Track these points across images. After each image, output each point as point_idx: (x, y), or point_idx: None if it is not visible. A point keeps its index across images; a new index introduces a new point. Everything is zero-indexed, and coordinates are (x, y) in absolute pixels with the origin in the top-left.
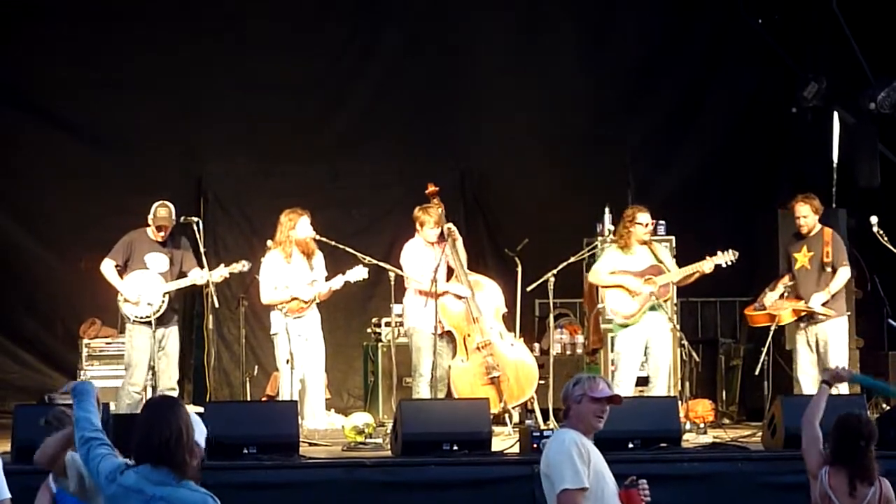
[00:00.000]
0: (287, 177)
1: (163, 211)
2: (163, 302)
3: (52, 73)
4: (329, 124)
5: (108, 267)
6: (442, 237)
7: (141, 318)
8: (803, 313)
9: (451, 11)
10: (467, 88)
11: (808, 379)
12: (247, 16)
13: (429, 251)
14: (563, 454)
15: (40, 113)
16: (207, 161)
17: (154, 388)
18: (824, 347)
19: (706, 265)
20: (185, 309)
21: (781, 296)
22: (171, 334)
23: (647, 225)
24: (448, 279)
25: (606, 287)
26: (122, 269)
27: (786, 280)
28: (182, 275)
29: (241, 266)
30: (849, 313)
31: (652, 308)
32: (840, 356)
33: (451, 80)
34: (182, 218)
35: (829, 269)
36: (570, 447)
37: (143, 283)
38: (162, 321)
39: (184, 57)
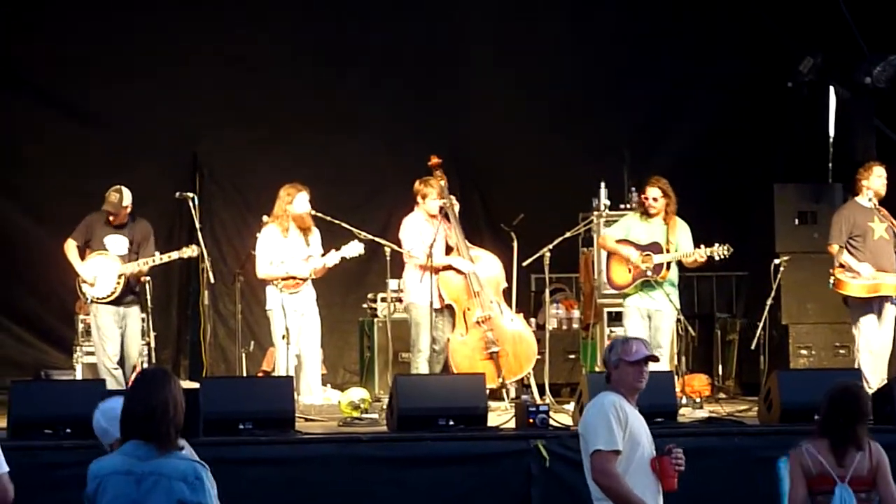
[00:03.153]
0: (282, 153)
1: (114, 196)
2: (118, 283)
3: (46, 52)
4: (324, 101)
5: (70, 247)
6: (442, 211)
7: (98, 298)
8: None
9: None
10: (462, 68)
11: (875, 359)
12: None
13: (428, 226)
14: (601, 416)
15: (34, 92)
16: (202, 138)
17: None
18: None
19: (699, 254)
20: (181, 285)
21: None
22: (132, 314)
23: (649, 199)
24: (448, 254)
25: (610, 251)
26: (84, 249)
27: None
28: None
29: (190, 251)
30: None
31: (650, 284)
32: None
33: (445, 56)
34: (178, 194)
35: None
36: (609, 409)
37: (100, 265)
38: (119, 302)
39: (178, 35)
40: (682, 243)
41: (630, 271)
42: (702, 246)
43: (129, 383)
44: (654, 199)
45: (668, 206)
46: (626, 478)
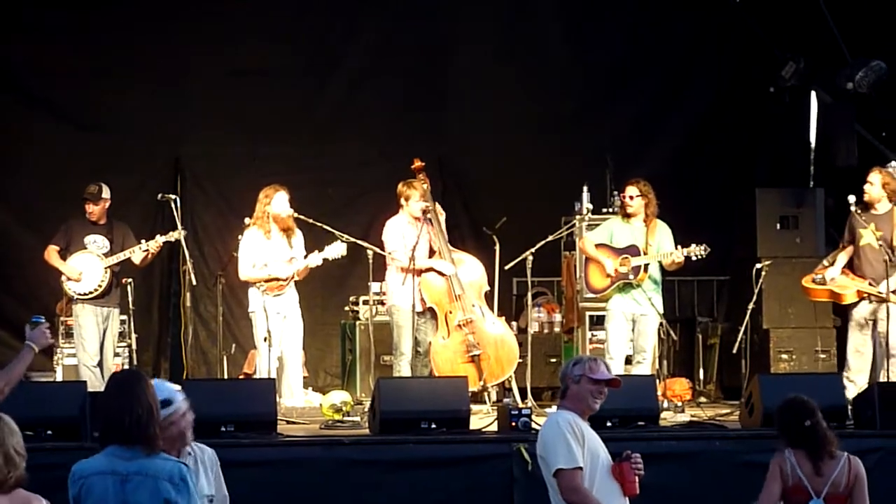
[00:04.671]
0: (264, 156)
1: (92, 187)
2: (104, 278)
3: (30, 55)
4: (309, 105)
5: (51, 253)
6: (425, 214)
7: (84, 294)
8: (866, 294)
9: None
10: (447, 71)
11: (859, 358)
12: (229, 2)
13: (411, 228)
14: (558, 435)
15: (17, 94)
16: (185, 141)
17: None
18: (883, 326)
19: (677, 255)
20: (162, 287)
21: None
22: (113, 315)
23: (627, 198)
24: (430, 257)
25: (589, 257)
26: (65, 253)
27: (844, 254)
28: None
29: (178, 234)
30: None
31: (633, 287)
32: None
33: (431, 62)
34: (160, 196)
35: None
36: (565, 428)
37: (84, 261)
38: (105, 301)
39: (163, 39)
40: (662, 245)
41: (608, 275)
42: (679, 247)
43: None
44: (631, 198)
45: (648, 208)
46: (592, 492)
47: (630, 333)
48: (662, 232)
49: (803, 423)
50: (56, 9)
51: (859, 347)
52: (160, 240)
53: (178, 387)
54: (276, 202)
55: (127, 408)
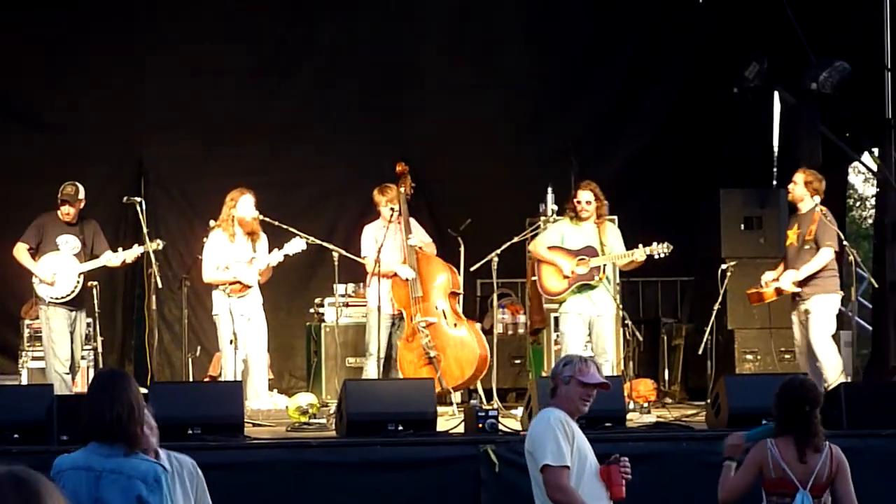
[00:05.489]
0: (228, 158)
1: (70, 188)
2: (77, 282)
3: None
4: (271, 107)
5: (20, 250)
6: (391, 215)
7: (57, 298)
8: (785, 292)
9: None
10: (409, 72)
11: (801, 357)
12: (189, 2)
13: (382, 232)
14: (548, 432)
15: None
16: (148, 143)
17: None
18: (806, 324)
19: (638, 254)
20: (125, 289)
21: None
22: (81, 317)
23: (580, 202)
24: (404, 261)
25: (541, 261)
26: (35, 252)
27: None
28: (94, 257)
29: (156, 245)
30: (841, 293)
31: (591, 287)
32: (819, 333)
33: (394, 64)
34: (125, 199)
35: (811, 248)
36: (555, 425)
37: (58, 264)
38: (75, 303)
39: (124, 40)
40: (614, 245)
41: (565, 277)
42: (640, 246)
43: (74, 386)
44: (588, 203)
45: (599, 209)
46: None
47: (586, 335)
48: (613, 232)
49: (803, 408)
50: (11, 9)
51: (802, 348)
52: (137, 250)
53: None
54: (242, 205)
55: (108, 405)
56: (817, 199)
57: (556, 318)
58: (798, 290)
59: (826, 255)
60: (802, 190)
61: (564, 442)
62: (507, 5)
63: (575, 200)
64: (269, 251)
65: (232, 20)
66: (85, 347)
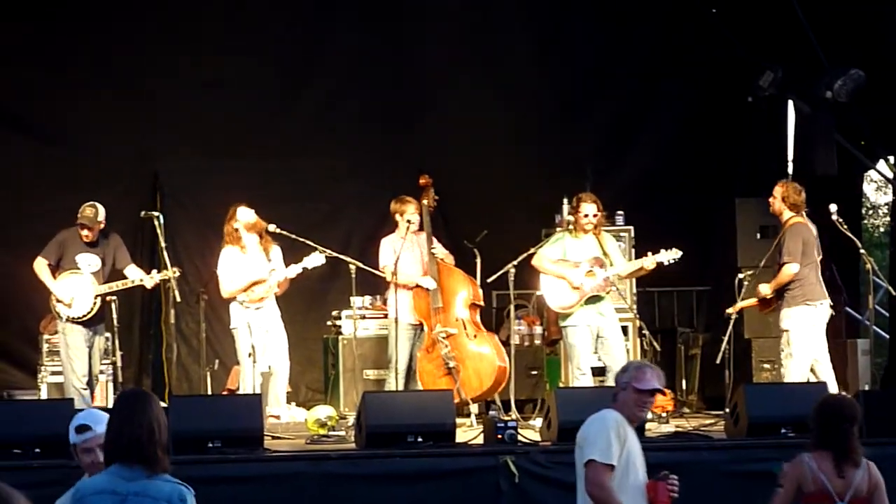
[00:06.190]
0: (243, 171)
1: (89, 211)
2: (94, 304)
3: (4, 71)
4: (285, 120)
5: (40, 265)
6: (409, 226)
7: (74, 318)
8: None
9: (407, 11)
10: (423, 83)
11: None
12: (201, 15)
13: (401, 244)
14: (602, 428)
15: None
16: (162, 157)
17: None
18: (780, 334)
19: (647, 262)
20: (143, 304)
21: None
22: (98, 333)
23: (587, 215)
24: (425, 273)
25: (547, 274)
26: (55, 268)
27: None
28: (116, 272)
29: (173, 273)
30: (815, 303)
31: (598, 298)
32: (789, 346)
33: (407, 76)
34: (143, 213)
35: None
36: (610, 424)
37: (76, 285)
38: (93, 322)
39: (138, 54)
40: (615, 256)
41: (575, 288)
42: (649, 254)
43: (93, 400)
44: (594, 216)
45: (600, 221)
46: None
47: (592, 347)
48: (612, 242)
49: (842, 425)
50: (22, 22)
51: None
52: (157, 278)
53: (104, 415)
54: (241, 213)
55: (126, 427)
56: (795, 212)
57: (563, 331)
58: (768, 293)
59: (787, 269)
60: (780, 204)
61: (616, 442)
62: (520, 17)
63: (581, 214)
64: (286, 264)
65: (245, 33)
66: (103, 362)
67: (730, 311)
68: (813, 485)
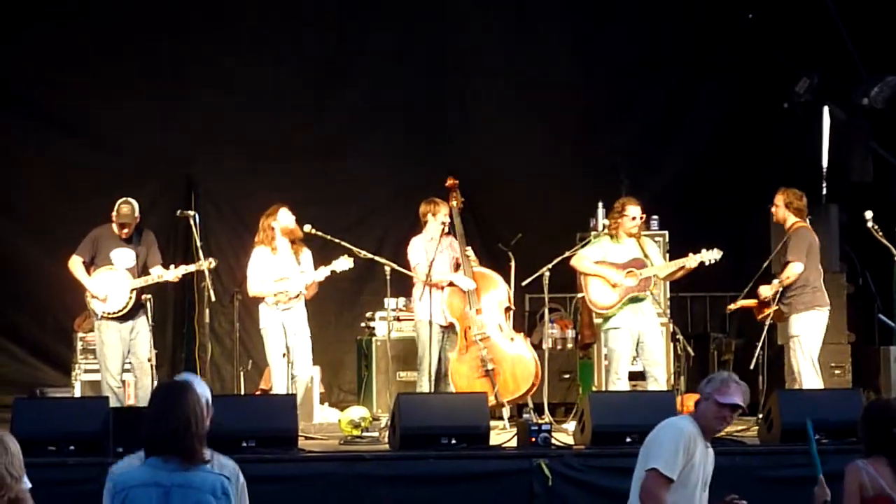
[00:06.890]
0: (276, 174)
1: (125, 208)
2: (130, 298)
3: (42, 73)
4: (320, 121)
5: (75, 263)
6: (443, 228)
7: (110, 314)
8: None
9: (442, 13)
10: (456, 88)
11: (789, 377)
12: (237, 18)
13: (433, 245)
14: (673, 439)
15: (30, 111)
16: (197, 157)
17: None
18: (785, 341)
19: (689, 261)
20: (176, 302)
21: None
22: (141, 324)
23: (634, 218)
24: (455, 272)
25: (587, 275)
26: (90, 265)
27: None
28: (146, 268)
29: (209, 263)
30: (824, 308)
31: (640, 300)
32: (801, 351)
33: (442, 79)
34: (178, 212)
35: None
36: (681, 437)
37: (111, 281)
38: (129, 316)
39: (173, 56)
40: (655, 258)
41: (614, 286)
42: (690, 254)
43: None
44: (641, 218)
45: (641, 225)
46: None
47: (633, 351)
48: (652, 245)
49: (890, 430)
50: (63, 26)
51: (789, 368)
52: (190, 268)
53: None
54: (282, 215)
55: (163, 420)
56: (799, 217)
57: (604, 334)
58: (769, 295)
59: (790, 269)
60: (784, 211)
61: (683, 456)
62: (553, 22)
63: (627, 216)
64: (315, 266)
65: (280, 38)
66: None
67: (731, 307)
68: (872, 489)
